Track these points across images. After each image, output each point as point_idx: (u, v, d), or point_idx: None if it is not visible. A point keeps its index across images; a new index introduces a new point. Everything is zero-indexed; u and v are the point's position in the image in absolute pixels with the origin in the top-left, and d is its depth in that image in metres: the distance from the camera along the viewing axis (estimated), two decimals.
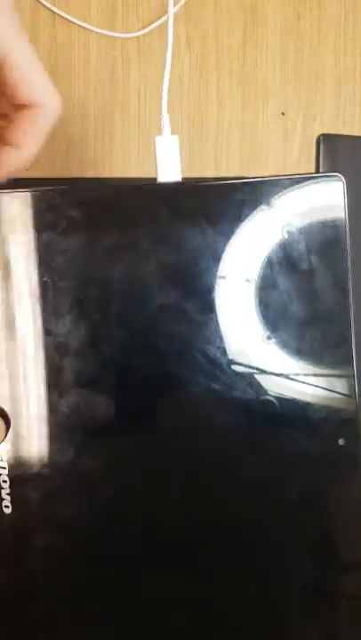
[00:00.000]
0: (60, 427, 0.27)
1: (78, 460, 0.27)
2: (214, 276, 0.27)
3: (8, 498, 0.26)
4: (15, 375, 0.27)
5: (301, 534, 0.28)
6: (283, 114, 0.41)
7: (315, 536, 0.28)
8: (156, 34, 0.39)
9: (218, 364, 0.27)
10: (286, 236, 0.27)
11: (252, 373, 0.27)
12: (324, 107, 0.42)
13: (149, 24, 0.39)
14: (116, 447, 0.27)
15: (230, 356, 0.27)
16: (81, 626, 0.28)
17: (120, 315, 0.27)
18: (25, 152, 0.25)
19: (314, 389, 0.27)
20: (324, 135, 0.41)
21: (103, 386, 0.27)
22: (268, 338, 0.27)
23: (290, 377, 0.27)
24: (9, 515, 0.26)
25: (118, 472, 0.27)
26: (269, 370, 0.27)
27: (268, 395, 0.27)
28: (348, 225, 0.27)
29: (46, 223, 0.26)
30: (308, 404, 0.27)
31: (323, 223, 0.27)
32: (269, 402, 0.27)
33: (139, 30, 0.39)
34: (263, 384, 0.27)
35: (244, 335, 0.27)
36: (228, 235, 0.27)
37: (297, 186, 0.27)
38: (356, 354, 0.27)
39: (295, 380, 0.27)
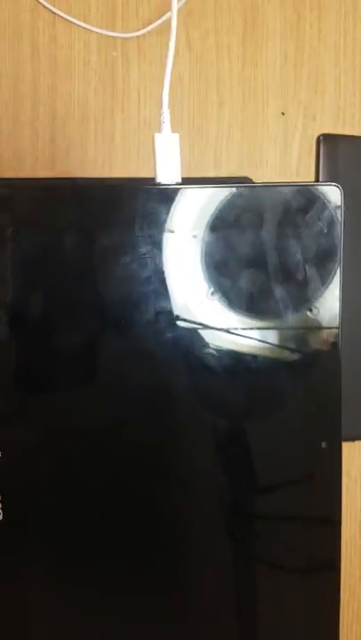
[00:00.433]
0: None
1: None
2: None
3: None
4: None
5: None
6: (283, 114, 0.41)
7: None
8: (156, 33, 0.39)
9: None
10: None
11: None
12: (324, 107, 0.42)
13: (149, 24, 0.39)
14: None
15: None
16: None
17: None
18: None
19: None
20: (324, 135, 0.41)
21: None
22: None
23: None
24: None
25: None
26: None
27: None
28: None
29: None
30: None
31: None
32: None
33: (139, 30, 0.39)
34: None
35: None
36: (226, 239, 0.27)
37: (295, 193, 0.27)
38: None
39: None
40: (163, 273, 0.27)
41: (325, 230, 0.28)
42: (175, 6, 0.28)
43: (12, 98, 0.38)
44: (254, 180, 0.41)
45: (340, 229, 0.28)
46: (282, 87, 0.41)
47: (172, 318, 0.27)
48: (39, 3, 0.38)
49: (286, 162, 0.41)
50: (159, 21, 0.39)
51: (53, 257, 0.27)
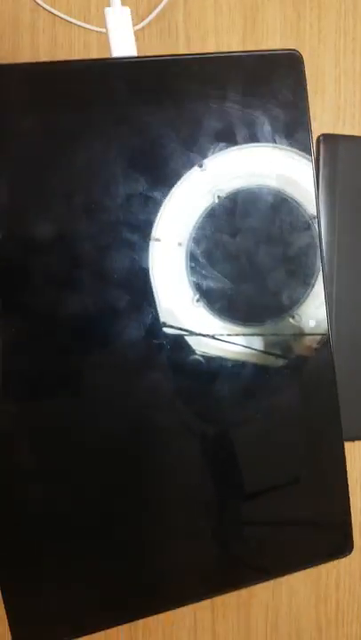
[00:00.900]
0: None
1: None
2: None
3: None
4: None
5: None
6: None
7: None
8: (155, 30, 0.39)
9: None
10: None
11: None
12: (324, 107, 0.42)
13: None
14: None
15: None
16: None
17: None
18: None
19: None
20: (324, 135, 0.41)
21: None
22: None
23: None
24: None
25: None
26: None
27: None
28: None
29: None
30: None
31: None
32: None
33: (136, 25, 0.39)
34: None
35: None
36: (187, 113, 0.26)
37: (255, 62, 0.26)
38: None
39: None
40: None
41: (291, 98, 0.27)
42: None
43: None
44: None
45: (305, 94, 0.27)
46: None
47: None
48: (38, 5, 0.38)
49: None
50: (156, 10, 0.39)
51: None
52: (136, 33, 0.39)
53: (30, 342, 0.26)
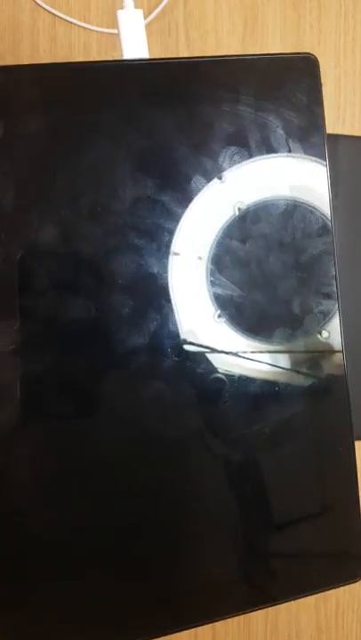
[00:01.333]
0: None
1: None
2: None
3: None
4: None
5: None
6: None
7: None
8: (155, 30, 0.39)
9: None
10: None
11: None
12: (324, 106, 0.41)
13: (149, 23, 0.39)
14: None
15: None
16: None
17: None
18: None
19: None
20: None
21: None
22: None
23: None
24: None
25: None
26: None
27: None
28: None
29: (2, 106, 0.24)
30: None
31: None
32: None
33: None
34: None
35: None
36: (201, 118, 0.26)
37: (270, 65, 0.26)
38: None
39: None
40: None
41: (306, 101, 0.26)
42: None
43: None
44: None
45: (321, 98, 0.27)
46: None
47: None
48: (38, 5, 0.38)
49: None
50: (154, 13, 0.39)
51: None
52: None
53: (48, 355, 0.26)
